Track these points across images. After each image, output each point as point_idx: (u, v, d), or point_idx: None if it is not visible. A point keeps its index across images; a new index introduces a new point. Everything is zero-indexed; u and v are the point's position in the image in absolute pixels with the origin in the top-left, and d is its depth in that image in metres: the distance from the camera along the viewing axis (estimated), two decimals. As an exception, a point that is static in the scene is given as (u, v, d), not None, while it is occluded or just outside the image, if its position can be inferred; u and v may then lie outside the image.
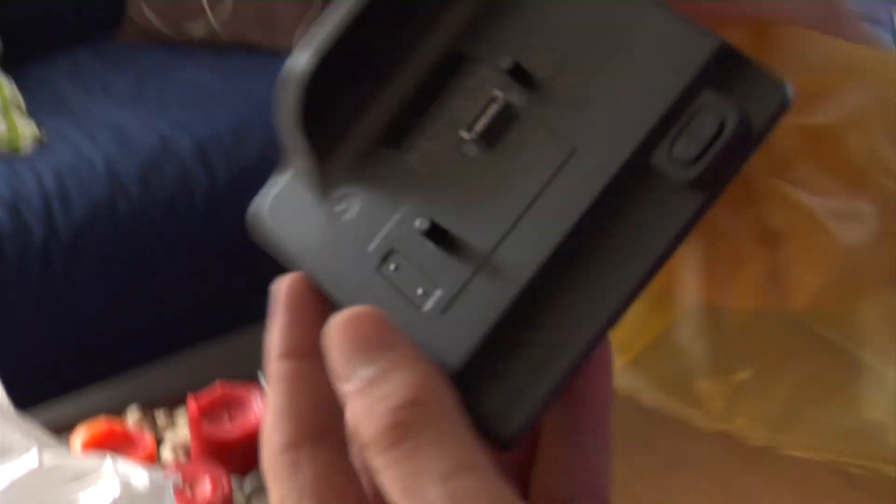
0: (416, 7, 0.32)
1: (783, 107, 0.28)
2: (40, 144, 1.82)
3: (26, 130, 1.83)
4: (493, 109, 0.31)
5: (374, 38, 0.31)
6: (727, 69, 0.29)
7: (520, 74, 0.30)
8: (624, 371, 0.31)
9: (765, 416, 0.29)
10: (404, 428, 0.27)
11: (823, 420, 0.29)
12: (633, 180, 0.29)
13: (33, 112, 1.89)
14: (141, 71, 2.02)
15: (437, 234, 0.30)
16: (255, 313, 0.89)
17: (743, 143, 0.28)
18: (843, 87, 0.28)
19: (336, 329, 0.28)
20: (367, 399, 0.27)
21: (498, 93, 0.31)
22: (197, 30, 2.07)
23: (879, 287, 0.28)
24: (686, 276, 0.29)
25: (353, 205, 0.32)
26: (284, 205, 0.33)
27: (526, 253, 0.29)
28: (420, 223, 0.30)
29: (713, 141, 0.28)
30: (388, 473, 0.27)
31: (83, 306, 1.73)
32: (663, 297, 0.30)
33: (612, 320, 0.28)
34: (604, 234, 0.29)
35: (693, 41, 0.29)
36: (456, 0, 0.32)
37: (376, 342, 0.28)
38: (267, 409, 0.30)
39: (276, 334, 0.31)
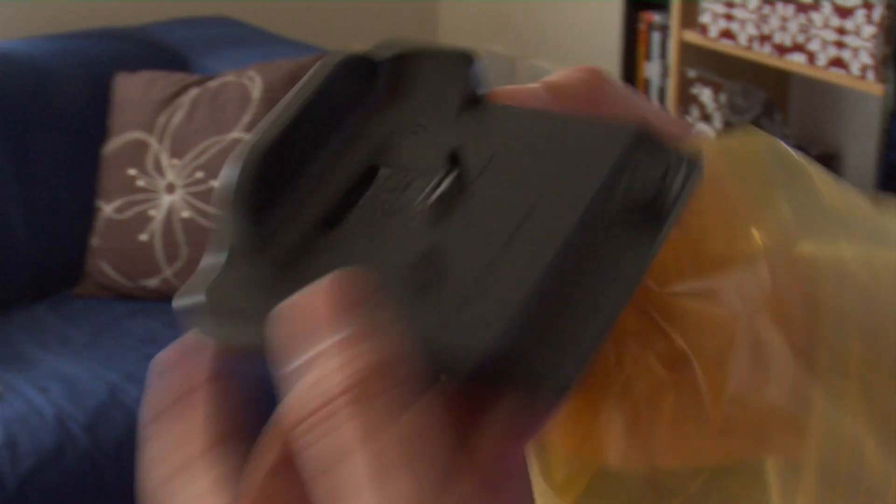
0: (348, 104, 0.33)
1: (700, 172, 0.32)
2: (-7, 397, 1.87)
3: (-20, 383, 1.88)
4: (445, 183, 0.31)
5: (320, 126, 0.32)
6: (650, 145, 0.32)
7: (455, 162, 0.32)
8: None
9: None
10: (370, 385, 0.26)
11: None
12: (601, 220, 0.30)
13: (-11, 366, 1.95)
14: (96, 323, 2.09)
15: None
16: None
17: (692, 180, 0.31)
18: None
19: (326, 286, 0.27)
20: (347, 353, 0.26)
21: (442, 171, 0.32)
22: (152, 282, 2.16)
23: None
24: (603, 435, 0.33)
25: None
26: (225, 289, 0.30)
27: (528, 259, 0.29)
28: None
29: (664, 179, 0.31)
30: (349, 425, 0.25)
31: (26, 556, 1.73)
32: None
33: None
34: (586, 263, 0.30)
35: (619, 129, 0.32)
36: (400, 97, 0.33)
37: (366, 299, 0.27)
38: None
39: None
